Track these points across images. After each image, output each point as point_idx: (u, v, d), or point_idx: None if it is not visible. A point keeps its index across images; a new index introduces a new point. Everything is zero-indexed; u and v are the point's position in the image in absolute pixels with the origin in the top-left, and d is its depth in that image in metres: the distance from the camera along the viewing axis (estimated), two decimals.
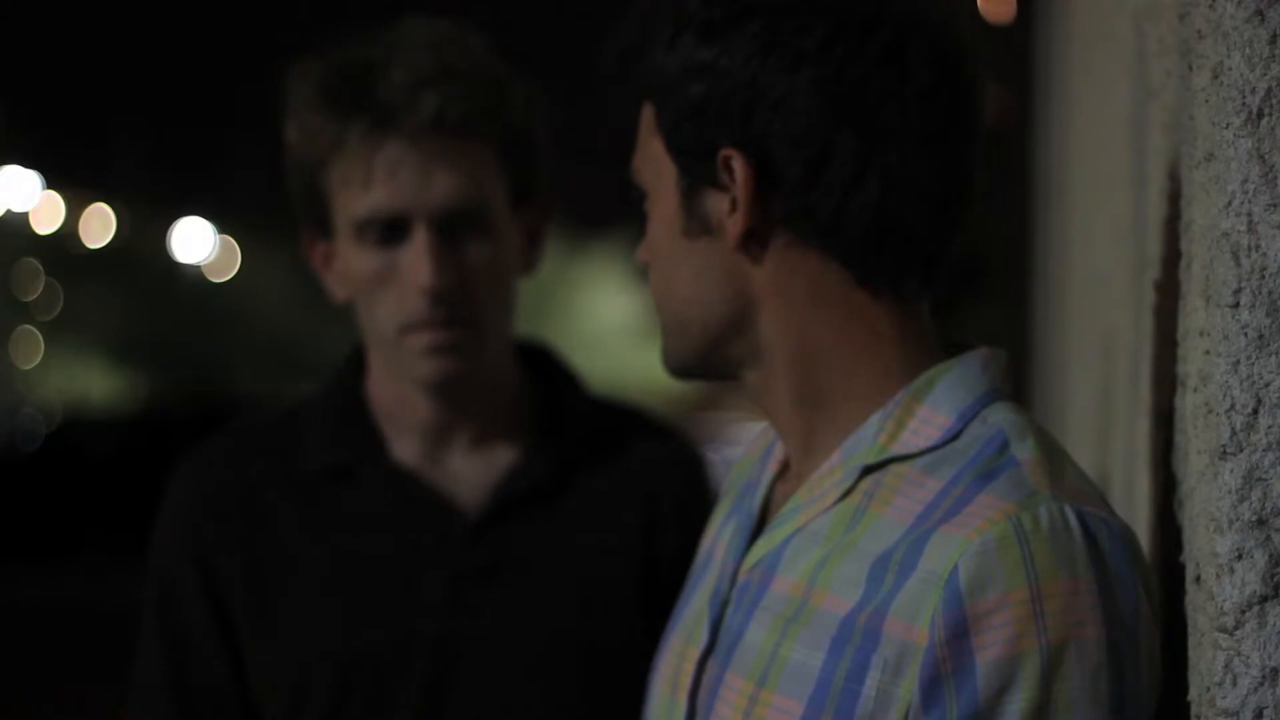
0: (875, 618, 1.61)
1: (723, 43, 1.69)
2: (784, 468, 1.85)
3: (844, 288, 1.70)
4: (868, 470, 1.71)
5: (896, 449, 1.70)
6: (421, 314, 2.33)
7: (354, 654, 2.35)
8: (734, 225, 1.69)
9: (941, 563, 1.59)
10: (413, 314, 2.34)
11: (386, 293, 2.35)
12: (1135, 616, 1.61)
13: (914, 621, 1.59)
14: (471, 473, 2.43)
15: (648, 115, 1.76)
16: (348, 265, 2.38)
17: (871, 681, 1.60)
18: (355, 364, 2.49)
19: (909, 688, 1.59)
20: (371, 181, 2.32)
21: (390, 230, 2.34)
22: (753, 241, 1.70)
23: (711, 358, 1.76)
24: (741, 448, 2.06)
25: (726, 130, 1.69)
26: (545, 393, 2.50)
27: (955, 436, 1.69)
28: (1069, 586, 1.57)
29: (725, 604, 1.80)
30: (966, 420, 1.70)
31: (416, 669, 2.35)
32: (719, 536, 1.93)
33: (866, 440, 1.71)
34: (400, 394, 2.43)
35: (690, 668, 1.81)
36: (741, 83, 1.68)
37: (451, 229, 2.34)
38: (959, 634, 1.57)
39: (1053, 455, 1.68)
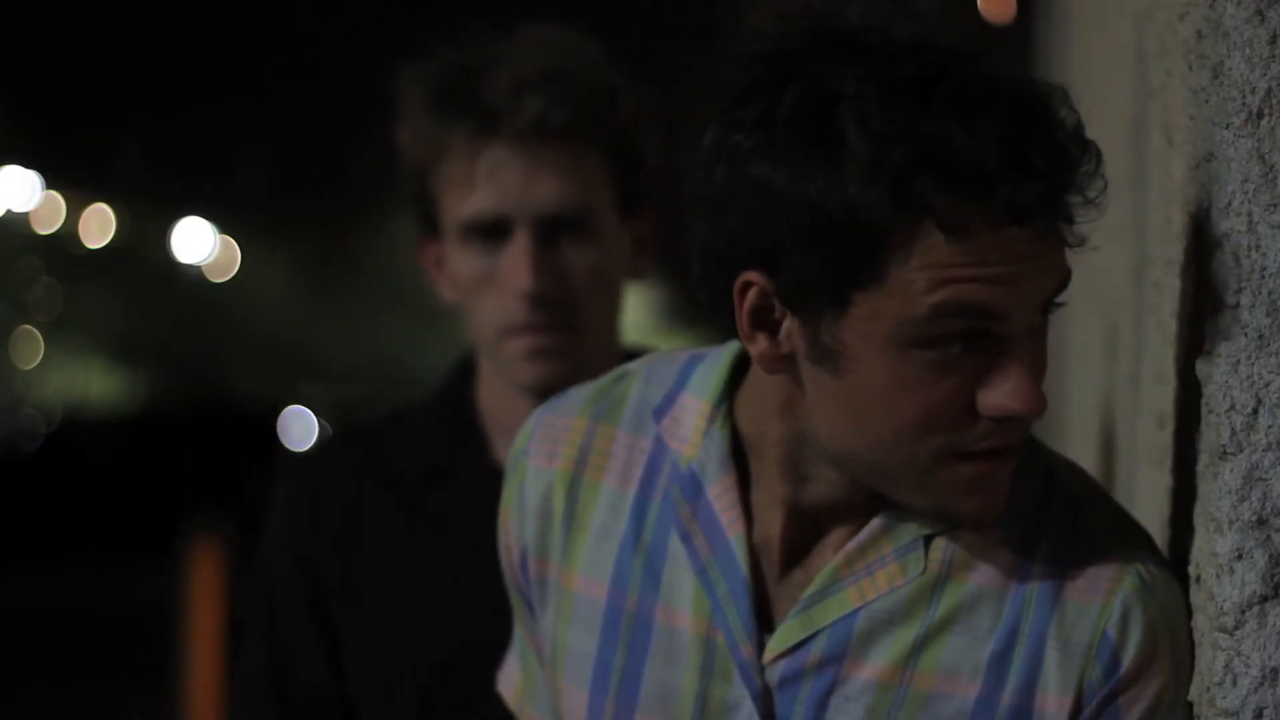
0: (1021, 695, 1.60)
1: None
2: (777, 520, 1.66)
3: None
4: (928, 539, 1.63)
5: None
6: (520, 317, 2.35)
7: (450, 654, 2.36)
8: None
9: (1087, 632, 1.59)
10: (512, 317, 2.35)
11: (488, 296, 2.37)
12: None
13: (1064, 695, 1.60)
14: None
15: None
16: (455, 268, 2.40)
17: None
18: (465, 368, 2.50)
19: None
20: (474, 184, 2.35)
21: (493, 233, 2.36)
22: None
23: None
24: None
25: None
26: None
27: None
28: (1185, 630, 1.61)
29: (767, 692, 1.65)
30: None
31: None
32: (673, 600, 1.68)
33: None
34: (505, 397, 2.43)
35: None
36: None
37: (553, 233, 2.35)
38: (1111, 697, 1.59)
39: (1094, 486, 1.69)
